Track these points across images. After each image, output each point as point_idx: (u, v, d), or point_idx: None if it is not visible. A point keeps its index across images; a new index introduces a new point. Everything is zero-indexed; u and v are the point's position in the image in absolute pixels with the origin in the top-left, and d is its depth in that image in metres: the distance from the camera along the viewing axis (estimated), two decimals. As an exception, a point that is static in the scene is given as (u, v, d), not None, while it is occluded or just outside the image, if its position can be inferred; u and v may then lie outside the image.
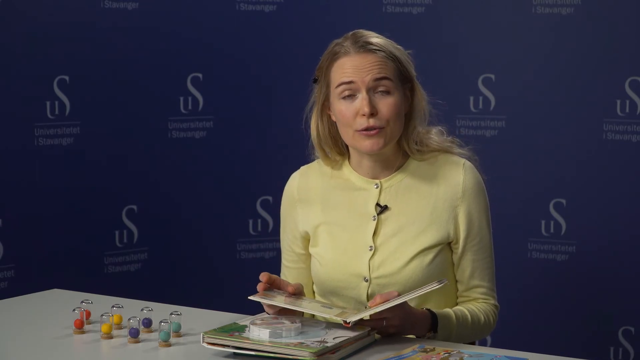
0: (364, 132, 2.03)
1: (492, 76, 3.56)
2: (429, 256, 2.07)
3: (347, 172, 2.16)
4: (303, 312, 1.98)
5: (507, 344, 2.10)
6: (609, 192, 3.42)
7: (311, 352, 1.72)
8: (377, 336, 1.92)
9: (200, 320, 2.04)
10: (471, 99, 3.58)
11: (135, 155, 3.61)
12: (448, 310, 2.04)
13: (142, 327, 1.96)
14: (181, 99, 3.71)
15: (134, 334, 1.91)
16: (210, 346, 1.80)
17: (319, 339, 1.79)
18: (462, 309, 2.07)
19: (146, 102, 3.62)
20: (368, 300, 2.07)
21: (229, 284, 3.72)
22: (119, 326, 1.99)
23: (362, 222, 2.11)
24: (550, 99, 3.49)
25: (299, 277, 2.21)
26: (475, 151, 2.18)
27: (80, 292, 2.30)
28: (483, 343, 2.19)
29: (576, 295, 3.49)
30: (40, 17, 3.40)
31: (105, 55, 3.52)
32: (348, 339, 1.81)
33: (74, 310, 1.98)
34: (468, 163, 2.13)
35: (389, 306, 1.84)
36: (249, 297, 1.90)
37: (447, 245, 2.11)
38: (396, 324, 1.91)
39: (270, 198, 3.79)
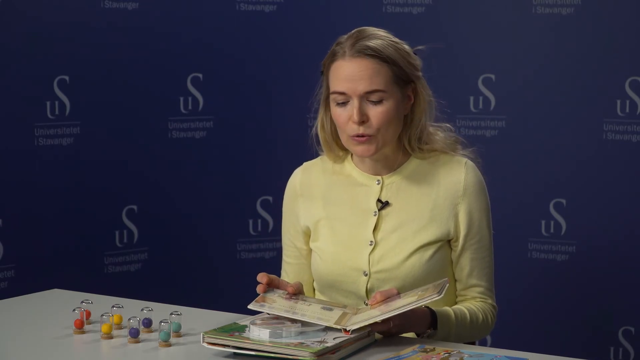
0: (356, 138, 2.05)
1: (492, 76, 3.56)
2: (429, 252, 2.07)
3: (349, 168, 2.17)
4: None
5: (507, 344, 2.10)
6: (609, 192, 3.42)
7: (311, 352, 1.72)
8: (377, 336, 1.92)
9: (200, 320, 2.04)
10: (471, 99, 3.58)
11: (135, 155, 3.61)
12: (447, 308, 2.05)
13: (142, 327, 1.96)
14: (181, 99, 3.71)
15: (134, 334, 1.91)
16: (210, 346, 1.80)
17: (319, 339, 1.79)
18: (461, 307, 2.08)
19: (146, 102, 3.62)
20: (367, 294, 2.08)
21: (229, 284, 3.72)
22: (119, 326, 1.99)
23: (363, 217, 2.12)
24: (550, 99, 3.49)
25: (300, 273, 2.22)
26: (478, 152, 2.19)
27: (80, 292, 2.30)
28: (483, 343, 2.20)
29: (576, 295, 3.49)
30: (40, 17, 3.40)
31: (105, 55, 3.52)
32: (348, 339, 1.81)
33: (74, 310, 1.98)
34: (470, 162, 2.14)
35: (389, 316, 1.84)
36: (249, 307, 1.89)
37: (446, 243, 2.11)
38: (397, 324, 1.91)
39: (270, 198, 3.79)
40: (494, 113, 3.57)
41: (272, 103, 3.77)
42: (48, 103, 3.43)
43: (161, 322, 1.88)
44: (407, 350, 1.79)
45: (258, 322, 1.84)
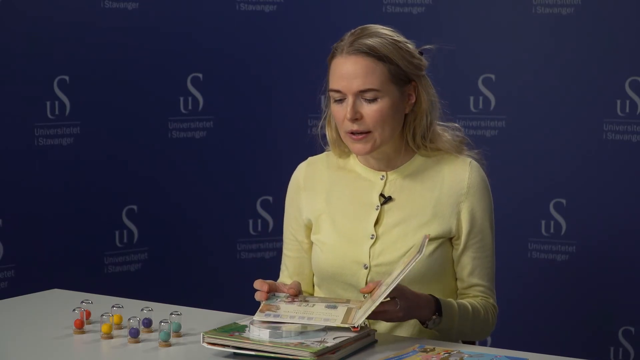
0: (351, 136, 2.07)
1: (492, 76, 3.56)
2: (430, 248, 2.07)
3: (354, 163, 2.18)
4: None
5: (507, 344, 2.10)
6: (609, 192, 3.42)
7: (311, 352, 1.72)
8: (377, 336, 1.91)
9: (200, 320, 2.04)
10: (471, 99, 3.58)
11: (135, 155, 3.61)
12: (450, 299, 2.05)
13: (142, 327, 1.96)
14: (181, 99, 3.71)
15: (134, 334, 1.91)
16: (210, 346, 1.80)
17: (319, 339, 1.79)
18: (462, 300, 2.08)
19: (146, 102, 3.62)
20: None
21: (229, 284, 3.72)
22: (119, 326, 1.99)
23: (365, 211, 2.13)
24: (550, 99, 3.49)
25: (300, 267, 2.22)
26: (483, 154, 2.19)
27: (80, 292, 2.30)
28: (483, 343, 2.20)
29: (576, 295, 3.49)
30: (40, 17, 3.40)
31: (105, 55, 3.52)
32: (348, 339, 1.81)
33: (74, 310, 1.98)
34: (475, 162, 2.15)
35: (386, 294, 1.83)
36: (253, 318, 1.88)
37: (448, 241, 2.12)
38: (404, 306, 1.91)
39: (270, 198, 3.79)
40: (494, 113, 3.57)
41: (272, 103, 3.77)
42: (48, 103, 3.43)
43: (161, 322, 1.88)
44: (407, 350, 1.79)
45: (258, 322, 1.84)
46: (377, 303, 1.82)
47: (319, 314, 1.88)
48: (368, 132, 2.05)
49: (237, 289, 3.57)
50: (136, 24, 3.58)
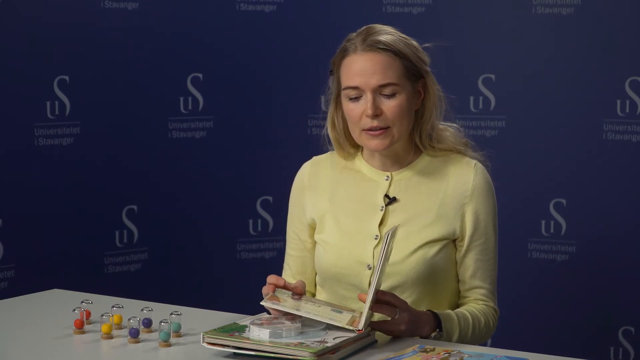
0: (369, 132, 2.06)
1: (492, 76, 3.56)
2: (433, 249, 2.08)
3: (359, 163, 2.19)
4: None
5: (507, 344, 2.10)
6: (609, 192, 3.42)
7: (311, 352, 1.72)
8: (377, 336, 1.91)
9: (200, 320, 2.04)
10: (471, 99, 3.58)
11: (135, 155, 3.61)
12: (448, 311, 2.05)
13: (142, 327, 1.96)
14: (181, 99, 3.70)
15: (134, 334, 1.91)
16: (210, 346, 1.80)
17: (319, 339, 1.79)
18: (462, 310, 2.08)
19: (146, 102, 3.62)
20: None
21: (229, 284, 3.72)
22: (119, 326, 1.99)
23: (369, 211, 2.13)
24: (550, 99, 3.49)
25: (302, 266, 2.23)
26: (487, 156, 2.19)
27: (80, 292, 2.30)
28: (483, 343, 2.20)
29: (576, 295, 3.49)
30: (40, 17, 3.40)
31: (105, 55, 3.52)
32: (348, 339, 1.81)
33: (74, 310, 1.98)
34: (480, 165, 2.16)
35: (372, 294, 1.83)
36: (261, 303, 1.89)
37: (451, 242, 2.12)
38: (403, 329, 1.92)
39: (270, 198, 3.79)
40: (494, 113, 3.57)
41: (272, 103, 3.77)
42: (48, 103, 3.43)
43: (161, 322, 1.88)
44: (407, 350, 1.79)
45: (258, 322, 1.84)
46: (368, 304, 1.83)
47: (324, 314, 1.88)
48: (387, 128, 2.06)
49: (237, 289, 3.58)
50: (136, 24, 3.58)
